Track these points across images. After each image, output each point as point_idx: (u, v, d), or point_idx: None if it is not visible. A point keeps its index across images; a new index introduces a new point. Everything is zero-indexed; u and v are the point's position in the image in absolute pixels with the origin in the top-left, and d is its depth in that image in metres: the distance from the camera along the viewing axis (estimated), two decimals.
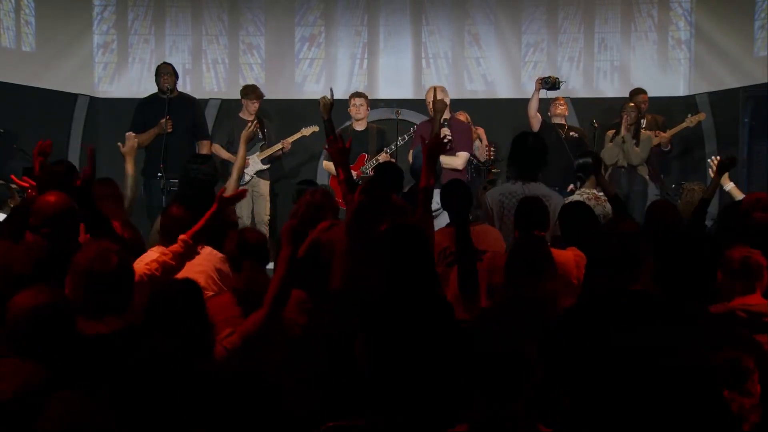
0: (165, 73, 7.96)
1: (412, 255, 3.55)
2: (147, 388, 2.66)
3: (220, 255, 4.64)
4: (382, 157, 7.94)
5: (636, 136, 8.11)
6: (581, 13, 9.97)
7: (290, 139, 8.46)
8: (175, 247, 4.01)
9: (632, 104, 8.22)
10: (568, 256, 4.44)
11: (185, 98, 8.23)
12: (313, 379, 3.61)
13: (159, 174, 7.56)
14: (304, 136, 8.62)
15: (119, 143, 5.98)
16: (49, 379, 2.76)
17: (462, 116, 8.11)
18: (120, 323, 2.96)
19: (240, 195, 4.36)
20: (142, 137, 7.77)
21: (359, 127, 8.18)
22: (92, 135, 9.81)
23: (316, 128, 8.48)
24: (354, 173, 7.80)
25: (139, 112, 8.02)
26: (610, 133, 8.29)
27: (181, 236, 4.05)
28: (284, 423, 3.30)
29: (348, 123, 8.44)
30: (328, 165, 8.19)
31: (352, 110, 8.18)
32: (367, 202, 3.96)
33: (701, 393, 2.58)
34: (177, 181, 6.66)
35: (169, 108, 7.80)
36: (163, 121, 7.71)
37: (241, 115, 8.51)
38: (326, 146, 4.82)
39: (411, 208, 4.59)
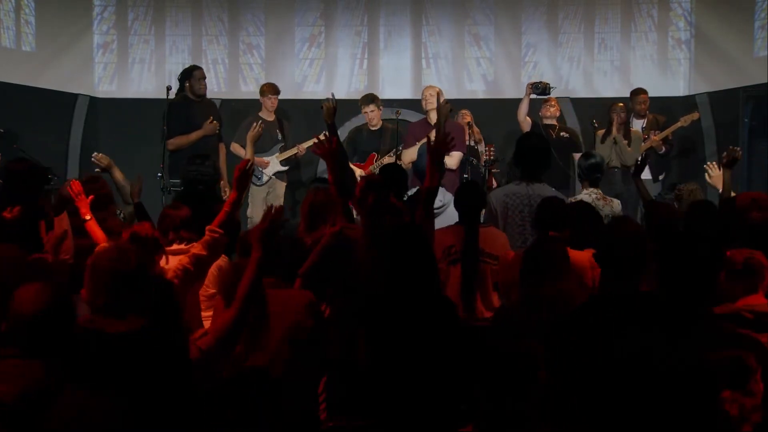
0: (202, 77, 8.13)
1: (413, 255, 3.56)
2: (159, 385, 2.66)
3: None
4: (387, 159, 7.92)
5: (626, 135, 8.15)
6: (581, 13, 9.97)
7: (305, 144, 8.33)
8: (203, 238, 4.14)
9: (621, 104, 8.26)
10: (584, 257, 4.44)
11: (210, 101, 8.35)
12: (317, 380, 3.63)
13: (159, 174, 7.57)
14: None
15: (96, 169, 5.97)
16: (55, 377, 2.76)
17: (467, 117, 8.12)
18: (141, 322, 2.97)
19: (249, 168, 4.36)
20: (188, 138, 7.83)
21: (372, 123, 8.18)
22: (92, 135, 9.82)
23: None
24: (362, 171, 7.80)
25: (174, 116, 7.88)
26: (600, 133, 8.31)
27: (208, 227, 4.16)
28: (286, 423, 3.31)
29: (360, 122, 8.44)
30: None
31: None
32: (379, 200, 4.01)
33: (703, 393, 2.59)
34: (178, 181, 6.69)
35: (203, 110, 7.96)
36: (209, 123, 7.83)
37: (260, 113, 8.50)
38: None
39: (409, 211, 4.63)
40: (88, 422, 2.51)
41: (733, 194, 5.63)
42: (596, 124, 8.30)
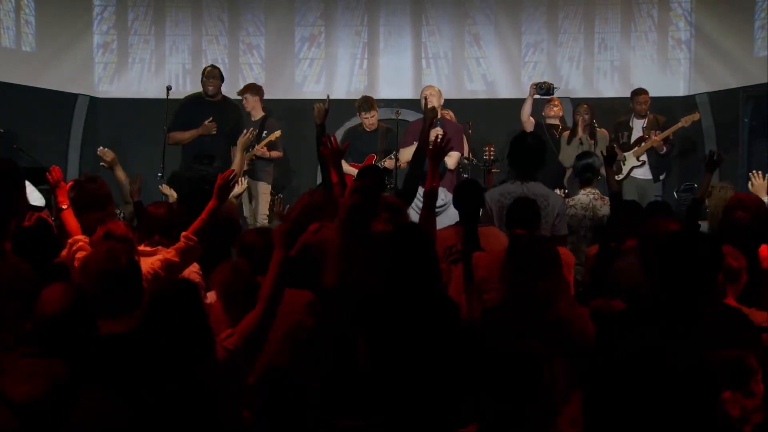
0: (208, 75, 8.15)
1: (415, 255, 3.56)
2: (159, 386, 2.67)
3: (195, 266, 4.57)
4: (388, 162, 7.88)
5: (593, 136, 8.16)
6: (581, 13, 9.97)
7: (261, 144, 8.21)
8: (177, 244, 4.07)
9: (585, 105, 8.28)
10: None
11: (229, 103, 8.33)
12: (318, 380, 3.62)
13: (159, 174, 7.57)
14: (273, 140, 8.45)
15: (101, 163, 6.07)
16: (75, 377, 2.77)
17: (448, 116, 8.10)
18: (132, 322, 2.98)
19: (232, 179, 4.34)
20: (184, 135, 7.91)
21: (370, 127, 8.12)
22: (92, 135, 9.83)
23: (278, 133, 8.33)
24: None
25: (182, 112, 8.08)
26: (566, 134, 8.31)
27: (183, 233, 4.08)
28: (288, 423, 3.31)
29: (357, 122, 8.42)
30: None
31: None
32: (361, 201, 4.00)
33: (703, 393, 2.59)
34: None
35: (214, 111, 7.96)
36: (207, 122, 7.86)
37: (251, 118, 8.49)
38: (322, 148, 4.83)
39: (406, 206, 4.63)
40: (106, 420, 2.53)
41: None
42: (596, 124, 8.31)
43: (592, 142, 8.12)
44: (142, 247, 4.26)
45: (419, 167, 5.06)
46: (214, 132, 7.89)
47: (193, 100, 8.22)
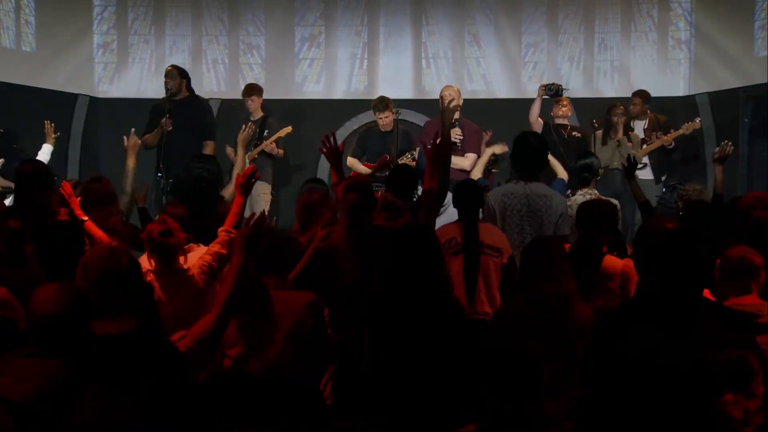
0: (165, 75, 8.13)
1: (420, 256, 3.56)
2: (159, 385, 2.67)
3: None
4: (404, 161, 7.87)
5: (629, 137, 8.18)
6: (581, 13, 9.97)
7: (256, 150, 8.28)
8: (220, 238, 4.26)
9: (621, 106, 8.27)
10: (617, 265, 4.45)
11: (192, 99, 8.30)
12: (319, 380, 3.63)
13: (159, 174, 7.57)
14: (281, 137, 8.48)
15: (124, 136, 6.10)
16: (74, 377, 2.77)
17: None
18: (132, 322, 2.98)
19: (251, 175, 4.43)
20: (149, 137, 7.87)
21: (385, 128, 8.06)
22: (92, 135, 9.83)
23: (289, 129, 8.40)
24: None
25: (151, 114, 8.11)
26: (599, 134, 8.30)
27: (221, 228, 4.28)
28: (289, 423, 3.31)
29: (359, 122, 8.40)
30: (351, 161, 8.06)
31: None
32: (359, 198, 4.01)
33: (704, 393, 2.58)
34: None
35: (175, 109, 7.89)
36: (164, 120, 7.78)
37: (251, 118, 8.49)
38: (320, 148, 4.84)
39: (406, 206, 4.63)
40: (105, 417, 2.53)
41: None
42: (596, 125, 8.31)
43: (630, 144, 8.14)
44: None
45: (445, 171, 5.03)
46: (169, 129, 7.76)
47: (160, 103, 8.12)
